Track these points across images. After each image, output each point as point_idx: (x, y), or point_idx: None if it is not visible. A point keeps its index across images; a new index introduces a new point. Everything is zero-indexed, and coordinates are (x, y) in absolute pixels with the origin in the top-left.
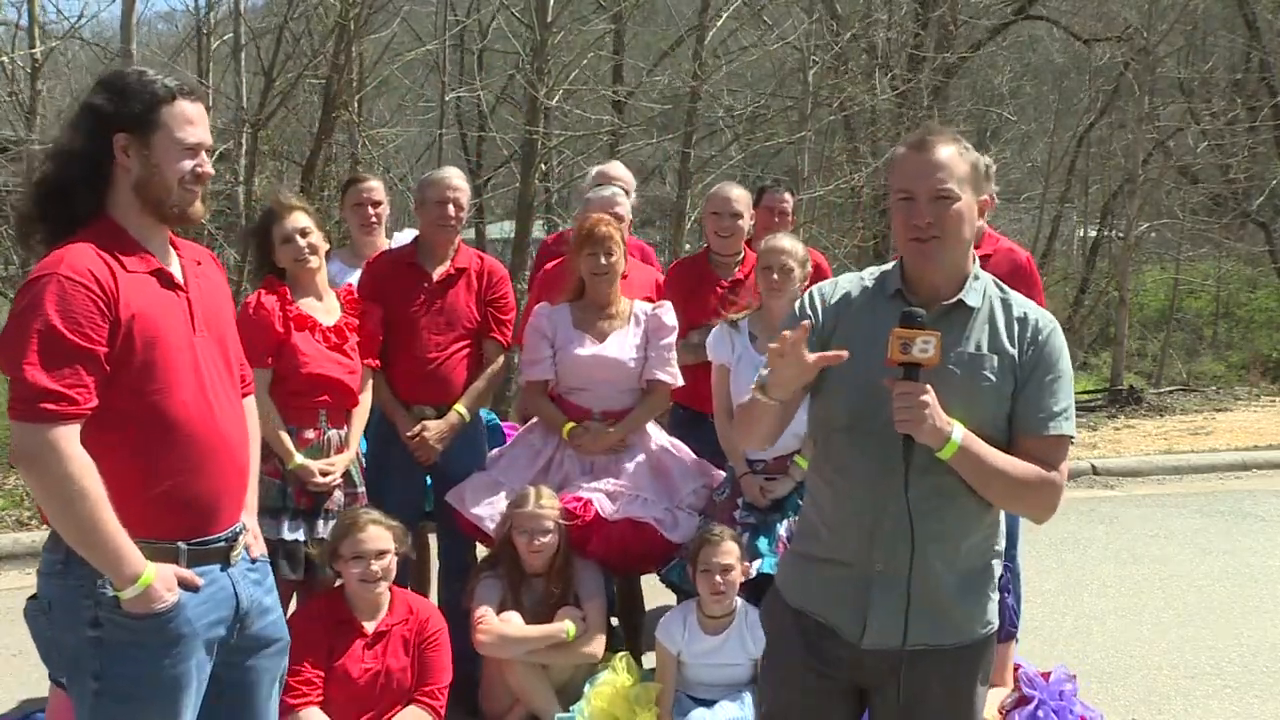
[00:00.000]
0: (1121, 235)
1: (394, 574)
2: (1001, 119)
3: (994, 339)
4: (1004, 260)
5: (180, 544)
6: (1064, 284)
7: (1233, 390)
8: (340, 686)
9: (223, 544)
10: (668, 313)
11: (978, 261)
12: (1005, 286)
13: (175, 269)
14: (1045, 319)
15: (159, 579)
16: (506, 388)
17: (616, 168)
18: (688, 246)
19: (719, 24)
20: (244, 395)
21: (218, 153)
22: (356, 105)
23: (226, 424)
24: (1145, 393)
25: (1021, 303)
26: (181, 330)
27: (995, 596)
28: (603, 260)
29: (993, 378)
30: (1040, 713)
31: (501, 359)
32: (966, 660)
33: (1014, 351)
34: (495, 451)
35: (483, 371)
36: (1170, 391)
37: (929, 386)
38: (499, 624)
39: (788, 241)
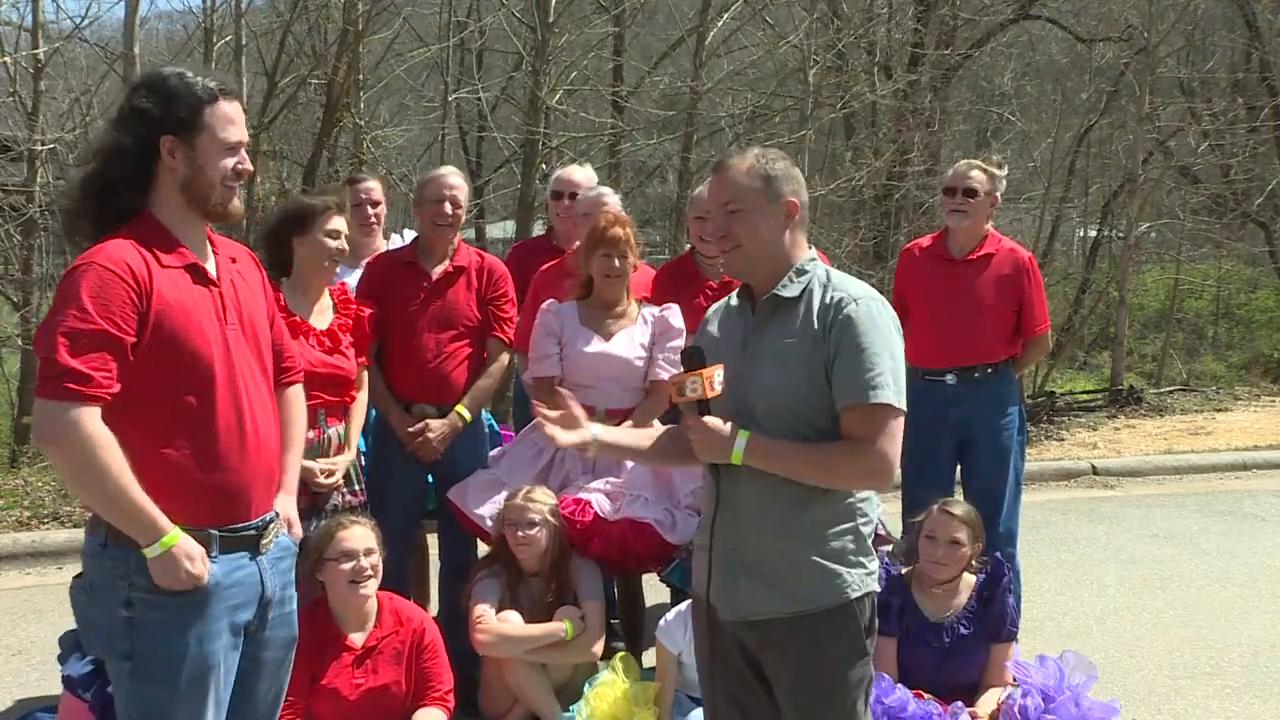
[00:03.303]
0: (1121, 235)
1: (381, 575)
2: (1002, 119)
3: (806, 325)
4: (1006, 260)
5: (212, 530)
6: (1064, 284)
7: (1233, 390)
8: (332, 704)
9: (253, 532)
10: (675, 315)
11: (814, 255)
12: (837, 275)
13: (210, 264)
14: (851, 296)
15: (181, 546)
16: (506, 389)
17: (576, 172)
18: (689, 246)
19: (720, 24)
20: (290, 384)
21: None
22: (360, 106)
23: (256, 415)
24: (1145, 393)
25: (840, 286)
26: (211, 323)
27: (851, 567)
28: (617, 262)
29: (802, 362)
30: (1027, 700)
31: (505, 356)
32: (822, 627)
33: (819, 332)
34: (497, 450)
35: (485, 370)
36: (1170, 391)
37: (705, 420)
38: (497, 623)
39: None
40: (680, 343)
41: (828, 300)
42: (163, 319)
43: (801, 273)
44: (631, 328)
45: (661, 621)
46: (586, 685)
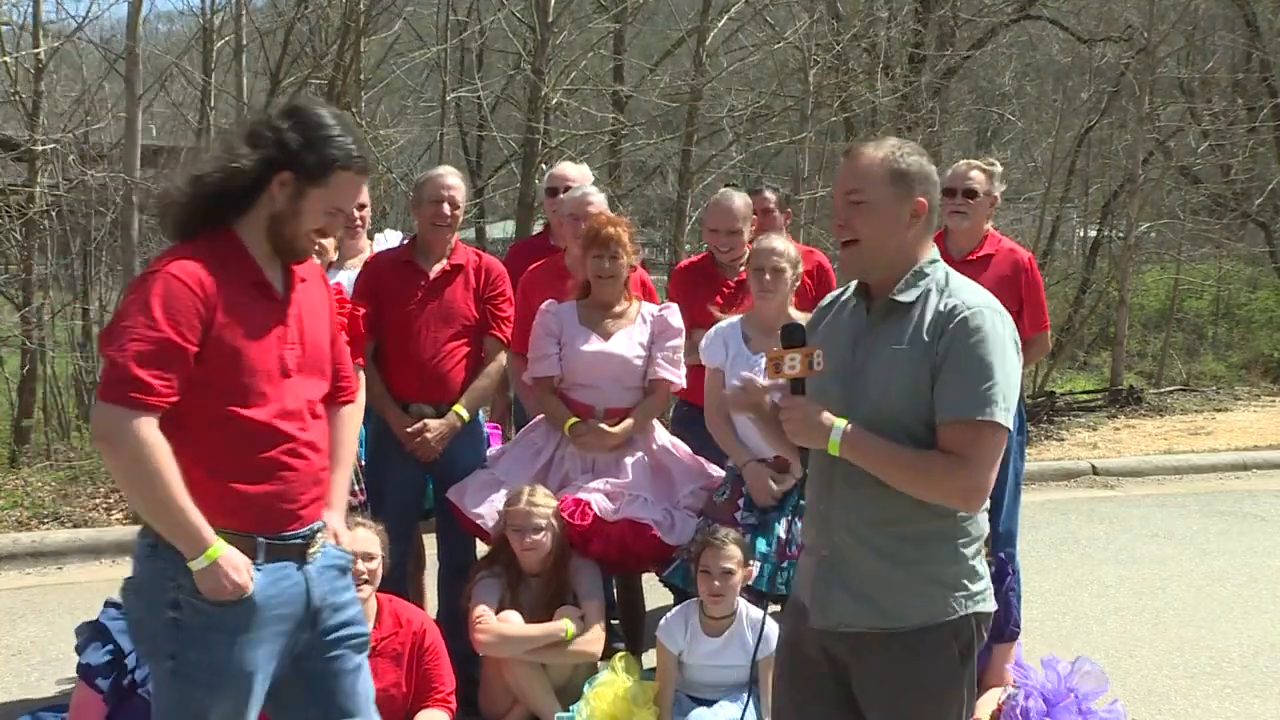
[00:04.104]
0: (1121, 235)
1: (379, 580)
2: (1002, 119)
3: (917, 332)
4: (1006, 260)
5: (259, 538)
6: (1064, 284)
7: (1233, 390)
8: None
9: (299, 541)
10: (674, 314)
11: (935, 256)
12: (956, 280)
13: (278, 282)
14: (966, 305)
15: (226, 558)
16: (506, 387)
17: (570, 168)
18: (688, 246)
19: (720, 24)
20: (344, 403)
21: None
22: (361, 106)
23: (307, 431)
24: (1145, 393)
25: (957, 292)
26: (272, 341)
27: (950, 588)
28: (607, 263)
29: (909, 370)
30: (1029, 702)
31: (503, 355)
32: (916, 646)
33: (929, 342)
34: (495, 450)
35: (482, 369)
36: (1170, 391)
37: (800, 400)
38: (498, 623)
39: (779, 242)
40: (679, 342)
41: (943, 307)
42: (223, 330)
43: (921, 275)
44: (630, 327)
45: (662, 621)
46: (586, 685)
